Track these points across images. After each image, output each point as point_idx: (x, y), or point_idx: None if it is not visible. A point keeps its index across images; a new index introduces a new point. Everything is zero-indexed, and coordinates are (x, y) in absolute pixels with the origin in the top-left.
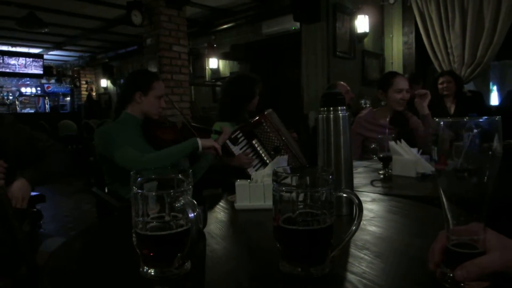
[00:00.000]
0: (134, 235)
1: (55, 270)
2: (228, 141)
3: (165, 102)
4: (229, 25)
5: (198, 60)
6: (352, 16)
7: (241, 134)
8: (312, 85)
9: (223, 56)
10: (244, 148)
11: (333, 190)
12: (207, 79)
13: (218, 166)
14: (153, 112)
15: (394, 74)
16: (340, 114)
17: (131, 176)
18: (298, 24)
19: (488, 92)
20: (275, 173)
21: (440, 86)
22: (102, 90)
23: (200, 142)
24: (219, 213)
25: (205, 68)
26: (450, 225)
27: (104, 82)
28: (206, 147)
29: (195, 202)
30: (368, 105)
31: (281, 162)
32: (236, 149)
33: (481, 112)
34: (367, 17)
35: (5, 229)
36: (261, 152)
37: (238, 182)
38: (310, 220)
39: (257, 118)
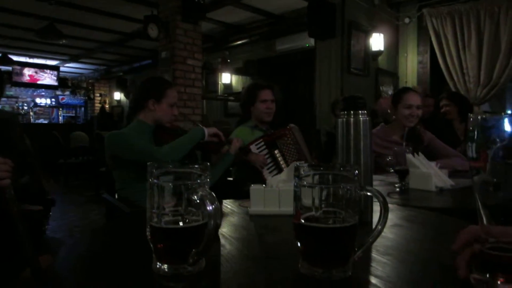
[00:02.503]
0: (148, 228)
1: (61, 269)
2: (250, 145)
3: (178, 115)
4: (243, 41)
5: (211, 74)
6: (367, 34)
7: (262, 143)
8: (325, 101)
9: (236, 71)
10: (266, 157)
11: (358, 187)
12: (219, 93)
13: (234, 168)
14: (166, 119)
15: (406, 89)
16: (361, 118)
17: (147, 167)
18: (312, 41)
19: (505, 114)
20: (297, 168)
21: (442, 110)
22: (115, 103)
23: (205, 130)
24: (233, 217)
25: (218, 83)
26: (484, 222)
27: (118, 95)
28: (211, 134)
29: (214, 195)
30: None
31: None
32: (256, 152)
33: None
34: (382, 35)
35: (10, 230)
36: (281, 163)
37: (253, 187)
38: (333, 218)
39: (281, 130)
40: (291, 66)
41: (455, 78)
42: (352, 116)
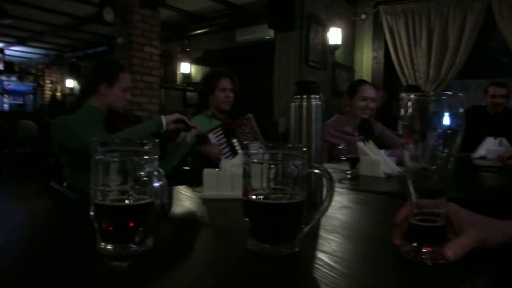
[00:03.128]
0: (92, 207)
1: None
2: (209, 134)
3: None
4: (203, 30)
5: (170, 63)
6: (325, 27)
7: (221, 132)
8: (284, 93)
9: (196, 61)
10: (223, 146)
11: (305, 165)
12: (178, 83)
13: (191, 158)
14: (118, 104)
15: (361, 82)
16: (313, 103)
17: (91, 143)
18: (272, 33)
19: None
20: (246, 147)
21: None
22: (68, 91)
23: (164, 119)
24: (184, 201)
25: (177, 72)
26: (413, 199)
27: (70, 83)
28: (172, 121)
29: (162, 172)
30: None
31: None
32: (214, 142)
33: None
34: (339, 30)
35: None
36: (239, 152)
37: (206, 171)
38: (281, 195)
39: (240, 119)
40: (251, 57)
41: (407, 73)
42: (305, 101)
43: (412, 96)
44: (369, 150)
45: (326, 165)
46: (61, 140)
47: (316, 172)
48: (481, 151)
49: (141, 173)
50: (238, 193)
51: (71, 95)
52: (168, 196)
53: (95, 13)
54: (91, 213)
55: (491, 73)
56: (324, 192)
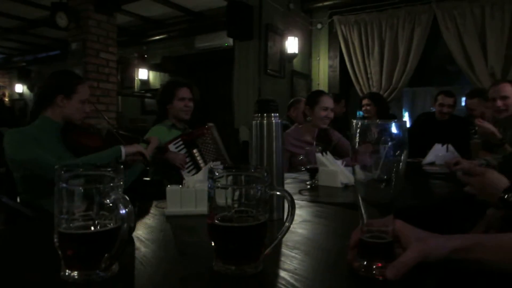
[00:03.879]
0: (56, 235)
1: None
2: (169, 145)
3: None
4: (161, 36)
5: (127, 69)
6: (283, 37)
7: (181, 142)
8: (243, 100)
9: (154, 67)
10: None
11: (268, 188)
12: (136, 89)
13: (151, 168)
14: (76, 117)
15: (321, 92)
16: (273, 121)
17: (56, 170)
18: (230, 40)
19: (401, 115)
20: (211, 170)
21: (363, 109)
22: (17, 96)
23: (123, 149)
24: (148, 219)
25: (134, 79)
26: (364, 220)
27: (20, 88)
28: (131, 153)
29: (128, 198)
30: None
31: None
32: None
33: None
34: (296, 39)
35: None
36: (200, 162)
37: (169, 187)
38: (245, 217)
39: (200, 128)
40: (210, 64)
41: (361, 82)
42: (265, 119)
43: (359, 122)
44: (327, 161)
45: (286, 175)
46: (14, 157)
47: (278, 194)
48: (430, 157)
49: (107, 200)
50: (202, 209)
51: (21, 101)
52: (134, 220)
53: (47, 17)
54: (55, 241)
55: (439, 81)
56: (284, 206)
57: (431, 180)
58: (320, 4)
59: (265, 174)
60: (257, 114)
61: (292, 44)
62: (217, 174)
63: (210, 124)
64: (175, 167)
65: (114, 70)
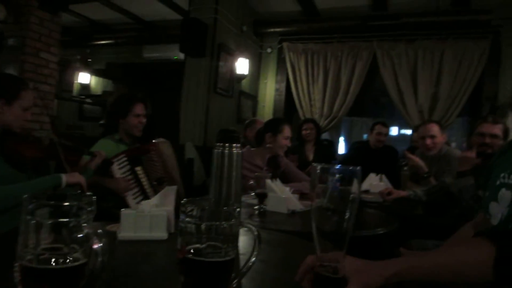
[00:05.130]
0: (17, 269)
1: None
2: (108, 163)
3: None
4: (107, 41)
5: (66, 71)
6: (234, 57)
7: (125, 159)
8: (190, 117)
9: (97, 72)
10: (126, 174)
11: (238, 224)
12: (74, 93)
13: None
14: (17, 124)
15: (284, 121)
16: (235, 151)
17: (22, 200)
18: (180, 54)
19: (338, 142)
20: (183, 205)
21: (303, 132)
22: None
23: (64, 178)
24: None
25: (74, 82)
26: (318, 252)
27: None
28: (71, 183)
29: (102, 232)
30: None
31: (170, 193)
32: (117, 172)
33: (333, 159)
34: (247, 60)
35: None
36: (142, 181)
37: (124, 211)
38: (216, 253)
39: (146, 145)
40: (158, 75)
41: (304, 107)
42: (227, 149)
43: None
44: (276, 187)
45: None
46: None
47: (245, 230)
48: (364, 185)
49: (76, 234)
50: (156, 234)
51: None
52: (107, 255)
53: None
54: (15, 275)
55: (373, 112)
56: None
57: (365, 208)
58: (272, 30)
59: (237, 210)
60: (219, 144)
61: (242, 65)
62: (190, 208)
63: (161, 139)
64: (120, 194)
65: (54, 72)
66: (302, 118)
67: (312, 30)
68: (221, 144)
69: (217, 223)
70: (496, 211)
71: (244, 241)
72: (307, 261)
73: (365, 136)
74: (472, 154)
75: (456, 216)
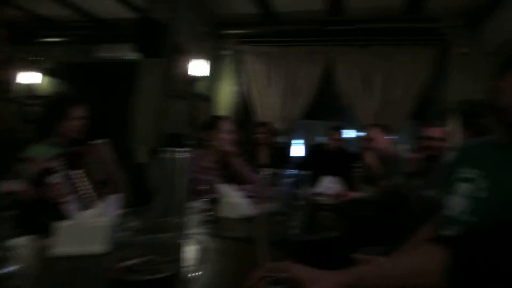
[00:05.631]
0: None
1: None
2: (45, 170)
3: None
4: (56, 39)
5: (7, 70)
6: (191, 58)
7: (61, 163)
8: (144, 119)
9: (44, 71)
10: (63, 180)
11: (182, 236)
12: (14, 94)
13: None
14: None
15: (221, 117)
16: (182, 156)
17: None
18: (135, 54)
19: (295, 145)
20: (122, 216)
21: (257, 136)
22: None
23: None
24: (30, 260)
25: (14, 81)
26: (264, 263)
27: None
28: (6, 193)
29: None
30: None
31: (114, 201)
32: (52, 179)
33: (289, 162)
34: (205, 62)
35: None
36: (82, 185)
37: (59, 223)
38: (155, 268)
39: (84, 147)
40: (110, 76)
41: (261, 110)
42: (174, 154)
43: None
44: (228, 192)
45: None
46: None
47: (190, 241)
48: (319, 187)
49: None
50: (95, 248)
51: None
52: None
53: None
54: None
55: (329, 115)
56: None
57: (320, 211)
58: (230, 32)
59: (180, 220)
60: (167, 148)
61: (200, 67)
62: (127, 220)
63: (99, 141)
64: (56, 202)
65: None
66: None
67: (270, 33)
68: (167, 148)
69: (157, 235)
70: (454, 203)
71: (191, 252)
72: (255, 273)
73: (321, 139)
74: (418, 155)
75: (406, 216)
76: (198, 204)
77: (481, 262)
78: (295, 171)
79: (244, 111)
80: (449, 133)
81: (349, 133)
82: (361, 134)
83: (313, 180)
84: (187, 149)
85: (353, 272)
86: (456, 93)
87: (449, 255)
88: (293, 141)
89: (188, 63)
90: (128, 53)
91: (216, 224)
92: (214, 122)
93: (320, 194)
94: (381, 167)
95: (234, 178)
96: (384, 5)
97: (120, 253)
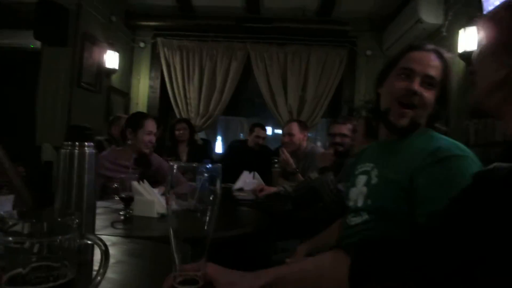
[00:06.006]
0: None
1: None
2: None
3: None
4: None
5: None
6: (102, 49)
7: None
8: (49, 114)
9: None
10: None
11: (78, 237)
12: None
13: None
14: None
15: (145, 115)
16: (87, 151)
17: None
18: (36, 42)
19: (215, 141)
20: (1, 219)
21: (176, 133)
22: None
23: None
24: None
25: None
26: (177, 264)
27: None
28: None
29: None
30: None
31: (4, 204)
32: None
33: (209, 158)
34: (117, 54)
35: None
36: None
37: None
38: (48, 276)
39: None
40: (9, 66)
41: (180, 106)
42: (77, 148)
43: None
44: (143, 190)
45: (98, 203)
46: None
47: (89, 243)
48: (239, 183)
49: None
50: None
51: None
52: None
53: None
54: None
55: (248, 112)
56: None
57: (240, 207)
58: (145, 23)
59: (75, 221)
60: (67, 143)
61: (112, 59)
62: (10, 223)
63: None
64: None
65: None
66: (178, 117)
67: (187, 27)
68: (70, 143)
69: (47, 239)
70: (355, 194)
71: (98, 254)
72: (167, 280)
73: (241, 135)
74: (330, 151)
75: (319, 209)
76: (110, 203)
77: (373, 268)
78: (213, 167)
79: (163, 106)
80: (355, 129)
81: (268, 130)
82: (280, 131)
83: (232, 176)
84: (94, 144)
85: (269, 273)
86: (362, 93)
87: (350, 261)
88: (213, 138)
89: (99, 53)
90: (29, 41)
91: (129, 224)
92: (137, 120)
93: (238, 190)
94: (297, 163)
95: (151, 176)
96: (299, 6)
97: (2, 262)
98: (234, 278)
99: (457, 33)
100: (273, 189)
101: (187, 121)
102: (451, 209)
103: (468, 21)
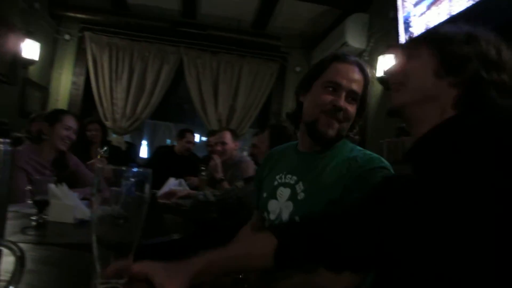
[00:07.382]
0: None
1: None
2: None
3: None
4: None
5: None
6: (19, 37)
7: None
8: None
9: None
10: None
11: None
12: None
13: None
14: None
15: (64, 111)
16: (1, 148)
17: None
18: None
19: (140, 145)
20: None
21: (88, 134)
22: None
23: None
24: None
25: None
26: (98, 270)
27: None
28: None
29: None
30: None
31: None
32: None
33: (135, 162)
34: (38, 44)
35: None
36: None
37: None
38: None
39: None
40: None
41: (105, 106)
42: None
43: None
44: (60, 193)
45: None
46: None
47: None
48: (164, 189)
49: None
50: None
51: None
52: None
53: None
54: None
55: (176, 117)
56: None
57: (164, 214)
58: (71, 14)
59: None
60: None
61: (31, 49)
62: None
63: None
64: None
65: None
66: (102, 117)
67: (119, 24)
68: None
69: None
70: (275, 207)
71: (8, 263)
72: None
73: (168, 141)
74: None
75: (244, 217)
76: (22, 206)
77: (297, 246)
78: (142, 171)
79: (86, 105)
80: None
81: (197, 137)
82: (208, 138)
83: (158, 182)
84: (7, 140)
85: (201, 260)
86: (289, 107)
87: (276, 239)
88: (140, 141)
89: (15, 42)
90: None
91: (44, 230)
92: (55, 116)
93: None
94: (225, 171)
95: (68, 178)
96: (235, 16)
97: None
98: (169, 272)
99: (377, 58)
100: (186, 192)
101: (99, 121)
102: (363, 202)
103: (387, 49)
